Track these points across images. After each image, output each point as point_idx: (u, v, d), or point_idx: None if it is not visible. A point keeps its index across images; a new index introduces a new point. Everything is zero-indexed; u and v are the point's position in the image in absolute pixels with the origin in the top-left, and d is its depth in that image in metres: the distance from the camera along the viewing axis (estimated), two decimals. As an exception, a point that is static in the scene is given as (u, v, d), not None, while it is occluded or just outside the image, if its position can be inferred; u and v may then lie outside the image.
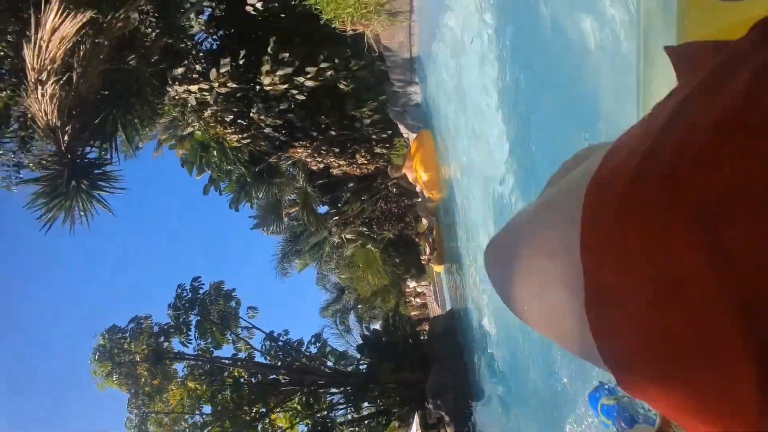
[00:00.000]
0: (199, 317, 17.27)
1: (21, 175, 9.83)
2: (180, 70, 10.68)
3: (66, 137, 8.21)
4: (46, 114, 7.85)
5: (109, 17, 8.39)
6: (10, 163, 9.71)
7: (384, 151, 15.86)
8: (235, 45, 11.12)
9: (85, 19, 7.38)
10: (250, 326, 19.17)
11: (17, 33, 8.79)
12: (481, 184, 7.32)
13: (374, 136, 14.96)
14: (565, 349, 0.67)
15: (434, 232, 14.74)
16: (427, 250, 15.76)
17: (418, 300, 31.10)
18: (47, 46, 7.45)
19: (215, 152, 14.45)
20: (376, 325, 27.68)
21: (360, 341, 20.44)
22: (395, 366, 14.34)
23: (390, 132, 14.55)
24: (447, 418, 11.56)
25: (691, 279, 0.43)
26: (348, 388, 15.99)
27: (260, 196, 19.03)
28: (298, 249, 24.04)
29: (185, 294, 17.27)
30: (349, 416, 17.70)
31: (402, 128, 13.67)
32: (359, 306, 30.17)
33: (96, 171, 8.83)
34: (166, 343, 16.99)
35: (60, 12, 7.25)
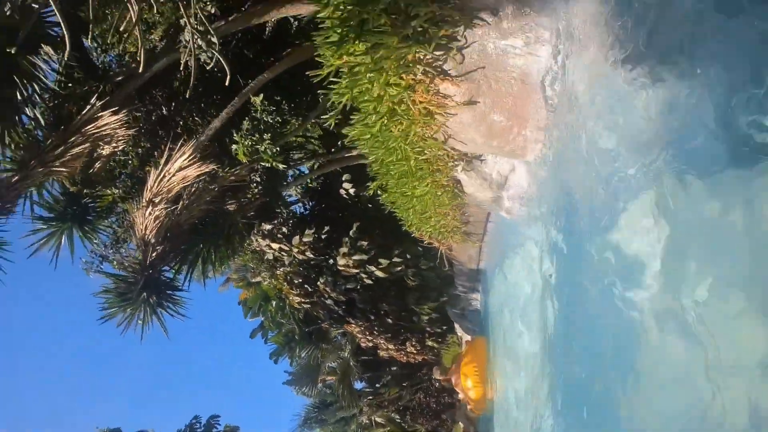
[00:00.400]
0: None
1: (102, 267, 10.99)
2: (268, 227, 11.94)
3: (154, 253, 9.25)
4: (145, 228, 8.97)
5: (226, 170, 9.83)
6: (97, 252, 10.90)
7: (435, 345, 16.08)
8: (321, 218, 12.42)
9: (207, 170, 8.73)
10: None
11: (148, 150, 10.41)
12: (524, 415, 7.38)
13: (428, 329, 15.44)
14: None
15: (470, 441, 14.54)
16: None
17: None
18: (169, 179, 8.76)
19: (274, 304, 15.45)
20: None
21: None
22: None
23: (445, 327, 14.93)
24: None
25: None
26: None
27: (302, 355, 19.49)
28: (323, 418, 23.20)
29: (197, 427, 17.33)
30: None
31: (458, 328, 14.13)
32: None
33: (167, 291, 9.74)
34: None
35: (190, 157, 8.62)
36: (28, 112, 7.77)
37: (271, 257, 12.40)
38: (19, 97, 7.24)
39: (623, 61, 3.01)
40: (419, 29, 2.83)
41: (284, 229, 12.09)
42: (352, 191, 12.16)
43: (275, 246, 12.03)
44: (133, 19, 5.46)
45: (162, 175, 8.82)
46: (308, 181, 12.88)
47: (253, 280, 14.16)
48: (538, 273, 5.76)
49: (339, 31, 3.14)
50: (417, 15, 2.83)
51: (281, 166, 9.08)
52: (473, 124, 3.89)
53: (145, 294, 9.21)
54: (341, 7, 3.08)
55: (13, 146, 7.94)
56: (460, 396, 13.83)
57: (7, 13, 6.44)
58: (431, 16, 2.88)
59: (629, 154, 3.44)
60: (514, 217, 5.76)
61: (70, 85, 8.78)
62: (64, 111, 8.80)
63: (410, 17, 2.82)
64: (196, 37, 6.82)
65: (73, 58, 8.52)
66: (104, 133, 8.57)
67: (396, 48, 2.92)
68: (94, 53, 9.93)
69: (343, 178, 12.05)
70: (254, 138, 8.34)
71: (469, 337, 13.07)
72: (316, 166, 12.46)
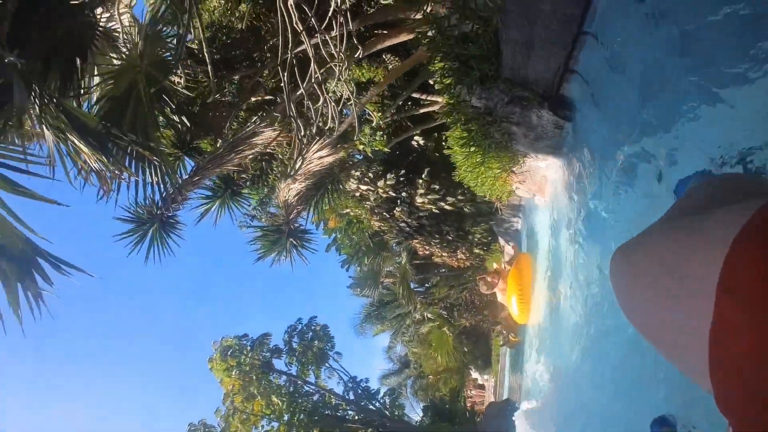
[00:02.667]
0: (303, 347, 24.02)
1: (252, 223, 16.87)
2: (358, 173, 17.50)
3: (294, 212, 14.88)
4: (286, 195, 14.49)
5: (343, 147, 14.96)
6: (249, 214, 16.77)
7: (482, 252, 21.28)
8: (397, 163, 17.88)
9: (340, 155, 14.03)
10: (338, 369, 25.52)
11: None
12: (567, 332, 9.57)
13: (476, 240, 21.00)
14: (671, 363, 0.84)
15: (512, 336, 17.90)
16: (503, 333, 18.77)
17: (475, 392, 36.09)
18: (309, 162, 14.00)
19: (352, 227, 21.42)
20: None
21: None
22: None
23: (490, 239, 20.22)
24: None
25: None
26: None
27: (366, 263, 25.57)
28: (382, 315, 29.81)
29: (299, 326, 24.19)
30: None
31: (501, 240, 19.64)
32: (416, 385, 35.02)
33: (301, 236, 15.44)
34: (275, 360, 23.77)
35: (329, 148, 13.76)
36: (176, 119, 10.39)
37: (358, 195, 18.09)
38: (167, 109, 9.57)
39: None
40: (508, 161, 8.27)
41: (370, 174, 17.65)
42: (422, 142, 17.58)
43: (363, 187, 17.65)
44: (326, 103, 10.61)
45: (305, 159, 13.92)
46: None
47: (342, 212, 19.87)
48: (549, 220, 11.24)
49: (464, 150, 8.65)
50: (504, 156, 8.24)
51: (386, 150, 14.52)
52: (523, 188, 9.49)
53: (290, 239, 14.96)
54: (467, 138, 8.54)
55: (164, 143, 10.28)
56: (504, 308, 16.64)
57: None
58: (513, 155, 8.33)
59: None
60: (538, 205, 11.36)
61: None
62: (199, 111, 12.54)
63: (503, 157, 8.26)
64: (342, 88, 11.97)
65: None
66: (265, 142, 12.59)
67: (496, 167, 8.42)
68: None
69: (415, 134, 17.42)
70: (372, 135, 13.71)
71: (511, 247, 17.34)
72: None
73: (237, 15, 13.42)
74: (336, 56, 9.53)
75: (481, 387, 35.51)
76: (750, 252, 0.66)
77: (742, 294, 0.65)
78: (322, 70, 9.44)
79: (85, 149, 6.72)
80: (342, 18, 8.76)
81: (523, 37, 5.27)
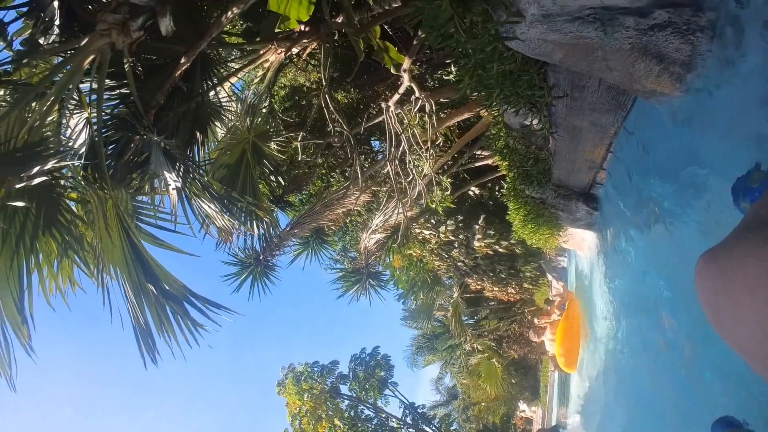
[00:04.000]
0: (366, 374, 28.05)
1: (335, 266, 20.99)
2: (422, 220, 21.48)
3: (372, 257, 18.95)
4: (366, 244, 18.58)
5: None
6: (333, 260, 20.90)
7: (531, 287, 24.70)
8: (456, 210, 21.76)
9: (413, 213, 18.00)
10: (398, 396, 29.44)
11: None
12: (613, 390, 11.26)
13: (527, 276, 24.63)
14: (760, 373, 0.87)
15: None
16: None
17: (524, 416, 38.67)
18: (389, 217, 18.07)
19: (412, 265, 25.38)
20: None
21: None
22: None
23: (538, 274, 23.50)
24: None
25: None
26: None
27: (421, 296, 29.13)
28: (434, 347, 32.95)
29: (363, 354, 28.31)
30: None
31: (548, 275, 23.18)
32: (464, 416, 37.29)
33: (377, 277, 19.48)
34: (341, 386, 27.87)
35: (407, 206, 17.86)
36: (273, 179, 12.04)
37: (420, 238, 22.03)
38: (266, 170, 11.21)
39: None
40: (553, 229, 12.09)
41: (432, 221, 21.60)
42: (477, 191, 21.52)
43: (426, 232, 21.58)
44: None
45: (383, 216, 17.97)
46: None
47: (406, 252, 23.81)
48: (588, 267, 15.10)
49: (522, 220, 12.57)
50: (553, 228, 12.07)
51: (452, 206, 18.50)
52: (567, 245, 13.36)
53: (369, 280, 19.07)
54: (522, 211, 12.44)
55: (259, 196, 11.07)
56: (551, 353, 17.84)
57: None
58: (559, 228, 12.18)
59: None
60: (580, 256, 15.10)
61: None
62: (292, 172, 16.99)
63: (551, 231, 12.10)
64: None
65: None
66: (354, 202, 16.47)
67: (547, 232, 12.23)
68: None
69: (471, 186, 21.33)
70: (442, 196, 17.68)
71: (560, 286, 20.42)
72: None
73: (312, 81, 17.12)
74: (422, 145, 13.56)
75: (529, 419, 38.25)
76: None
77: None
78: (413, 156, 13.50)
79: (213, 209, 8.08)
80: (430, 123, 12.80)
81: (567, 166, 9.23)
